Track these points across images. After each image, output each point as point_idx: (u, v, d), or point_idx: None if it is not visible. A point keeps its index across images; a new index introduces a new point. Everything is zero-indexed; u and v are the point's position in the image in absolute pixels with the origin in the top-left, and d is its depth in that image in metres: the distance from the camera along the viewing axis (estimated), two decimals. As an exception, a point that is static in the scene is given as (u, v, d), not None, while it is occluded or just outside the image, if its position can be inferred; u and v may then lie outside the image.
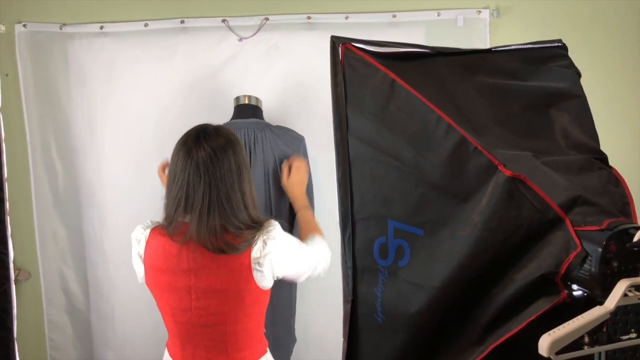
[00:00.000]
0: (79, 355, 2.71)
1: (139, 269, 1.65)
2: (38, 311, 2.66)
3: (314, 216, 1.98)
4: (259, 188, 2.10)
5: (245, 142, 2.15)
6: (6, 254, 1.40)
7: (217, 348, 1.60)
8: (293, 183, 2.04)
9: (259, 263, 1.52)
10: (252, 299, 1.57)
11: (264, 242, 1.53)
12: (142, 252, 1.61)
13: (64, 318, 2.68)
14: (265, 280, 1.56)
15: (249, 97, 2.34)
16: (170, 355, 1.68)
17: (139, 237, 1.62)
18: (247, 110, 2.34)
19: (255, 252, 1.52)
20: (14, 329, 1.41)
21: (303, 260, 1.66)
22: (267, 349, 1.71)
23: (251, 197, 1.57)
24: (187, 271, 1.53)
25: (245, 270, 1.52)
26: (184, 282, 1.55)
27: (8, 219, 1.41)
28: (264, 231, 1.54)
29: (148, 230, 1.61)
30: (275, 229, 1.56)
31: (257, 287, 1.55)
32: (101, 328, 2.66)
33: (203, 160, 1.49)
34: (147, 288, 1.66)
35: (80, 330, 2.70)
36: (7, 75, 2.51)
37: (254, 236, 1.52)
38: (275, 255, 1.55)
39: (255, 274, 1.53)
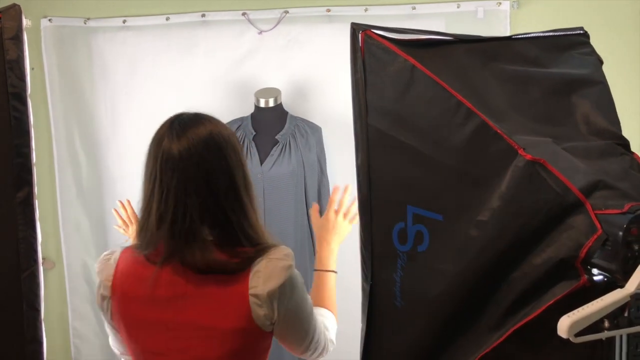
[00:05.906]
0: (102, 344, 2.76)
1: (107, 317, 1.26)
2: (62, 300, 2.72)
3: (334, 284, 1.49)
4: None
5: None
6: (34, 237, 1.42)
7: None
8: (331, 239, 1.53)
9: (257, 296, 1.14)
10: (248, 342, 1.18)
11: (267, 266, 1.15)
12: (109, 283, 1.21)
13: (87, 308, 2.74)
14: (264, 318, 1.16)
15: (267, 100, 2.39)
16: None
17: (102, 267, 1.23)
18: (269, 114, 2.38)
19: (255, 278, 1.14)
20: (41, 311, 1.44)
21: (311, 323, 1.25)
22: None
23: (253, 211, 1.19)
24: (164, 301, 1.17)
25: (240, 301, 1.15)
26: (158, 316, 1.17)
27: (36, 202, 1.44)
28: (270, 254, 1.16)
29: (117, 253, 1.23)
30: (288, 256, 1.18)
31: (255, 326, 1.17)
32: (123, 318, 2.71)
33: (179, 153, 1.14)
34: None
35: (102, 320, 2.73)
36: (32, 69, 2.56)
37: (255, 258, 1.15)
38: (282, 289, 1.15)
39: (253, 308, 1.15)
